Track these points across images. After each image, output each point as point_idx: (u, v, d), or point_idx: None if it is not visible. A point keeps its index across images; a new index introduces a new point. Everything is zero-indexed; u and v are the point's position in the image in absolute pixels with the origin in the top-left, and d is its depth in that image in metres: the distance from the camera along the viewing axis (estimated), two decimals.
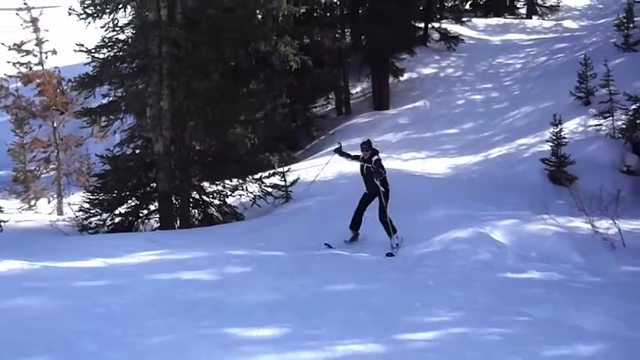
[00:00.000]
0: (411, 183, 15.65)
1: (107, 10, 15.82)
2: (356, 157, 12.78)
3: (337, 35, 21.80)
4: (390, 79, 22.99)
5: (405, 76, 23.62)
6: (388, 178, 12.30)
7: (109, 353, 6.45)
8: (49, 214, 18.17)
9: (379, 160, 12.25)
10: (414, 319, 7.97)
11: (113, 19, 15.91)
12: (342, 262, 10.72)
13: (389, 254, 11.53)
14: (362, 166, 12.47)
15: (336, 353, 6.54)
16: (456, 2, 30.60)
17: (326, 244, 11.95)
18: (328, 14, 22.90)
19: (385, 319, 7.72)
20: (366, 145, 12.43)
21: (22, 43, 19.06)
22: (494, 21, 31.97)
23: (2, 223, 16.34)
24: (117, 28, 15.88)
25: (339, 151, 13.14)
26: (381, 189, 12.07)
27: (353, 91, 23.76)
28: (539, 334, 7.54)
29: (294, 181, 15.47)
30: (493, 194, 14.70)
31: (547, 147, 16.05)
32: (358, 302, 8.66)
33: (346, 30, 23.21)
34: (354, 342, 6.80)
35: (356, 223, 12.52)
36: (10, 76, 19.22)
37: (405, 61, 23.63)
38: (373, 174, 12.01)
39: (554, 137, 15.64)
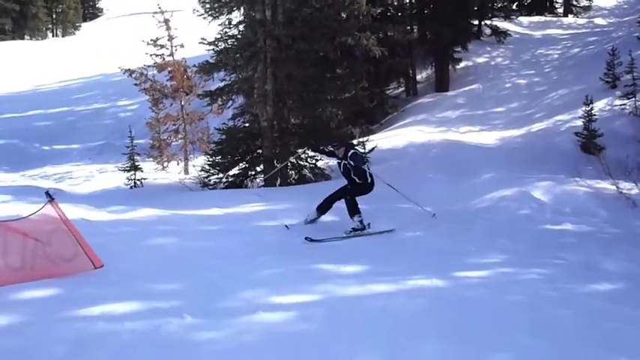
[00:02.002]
0: (466, 151, 15.49)
1: (224, 12, 16.22)
2: (331, 153, 10.46)
3: (407, 31, 21.45)
4: (450, 67, 22.69)
5: (462, 64, 23.33)
6: (373, 173, 10.35)
7: (228, 284, 6.51)
8: (178, 173, 18.48)
9: (355, 153, 10.02)
10: (469, 260, 7.88)
11: (228, 18, 16.32)
12: (410, 213, 10.58)
13: (352, 229, 9.59)
14: (339, 164, 10.26)
15: (407, 286, 6.49)
16: (505, 3, 30.00)
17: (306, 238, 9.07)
18: (399, 13, 22.73)
19: (446, 260, 7.63)
20: (337, 144, 10.23)
21: (157, 39, 19.33)
22: (536, 19, 31.43)
23: (143, 181, 16.69)
24: (231, 26, 16.24)
25: (315, 148, 11.50)
26: (357, 180, 9.90)
27: (419, 77, 23.52)
28: (572, 274, 7.45)
29: (372, 149, 15.38)
30: (533, 161, 14.46)
31: (579, 122, 15.77)
32: (424, 246, 8.59)
33: (414, 26, 22.88)
34: (421, 277, 6.74)
35: (323, 209, 10.13)
36: (148, 66, 19.58)
37: (462, 51, 23.27)
38: (351, 170, 9.86)
39: (585, 114, 15.46)
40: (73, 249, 6.76)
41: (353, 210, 9.78)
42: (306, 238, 8.99)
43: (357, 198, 9.96)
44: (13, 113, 26.74)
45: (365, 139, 15.92)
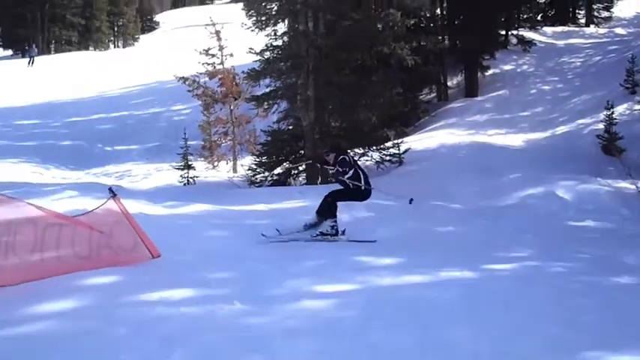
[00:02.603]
0: (493, 152, 15.32)
1: (269, 24, 16.21)
2: (326, 162, 9.45)
3: (438, 40, 21.29)
4: (479, 74, 22.43)
5: (490, 71, 23.03)
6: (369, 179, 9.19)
7: (274, 273, 6.53)
8: (227, 172, 18.60)
9: (343, 158, 8.92)
10: (498, 254, 7.79)
11: (274, 30, 16.26)
12: (441, 210, 10.51)
13: (320, 233, 8.74)
14: (332, 171, 9.57)
15: (439, 277, 6.43)
16: (530, 14, 29.57)
17: (262, 235, 8.55)
18: (432, 24, 22.52)
19: (476, 254, 7.55)
20: (327, 150, 9.31)
21: (209, 49, 19.49)
22: (559, 29, 30.89)
23: (195, 178, 16.82)
24: (276, 36, 16.14)
25: (312, 159, 10.67)
26: (350, 183, 8.84)
27: (450, 83, 23.28)
28: (595, 268, 7.34)
29: (406, 150, 15.30)
30: (557, 162, 14.21)
31: (601, 126, 15.47)
32: (455, 241, 8.52)
33: (445, 36, 22.66)
34: (453, 270, 6.67)
35: (324, 213, 8.92)
36: (201, 73, 19.76)
37: (490, 60, 22.99)
38: (339, 175, 8.93)
39: (606, 118, 15.15)
40: (133, 240, 6.85)
41: (328, 213, 8.77)
42: (262, 235, 8.37)
43: (353, 203, 9.24)
44: (78, 117, 27.17)
45: (399, 140, 15.83)
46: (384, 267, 6.97)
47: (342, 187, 9.02)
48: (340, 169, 8.83)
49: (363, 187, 8.84)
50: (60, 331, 4.99)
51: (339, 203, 8.91)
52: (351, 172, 8.76)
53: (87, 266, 6.34)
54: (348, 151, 9.56)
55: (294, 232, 8.78)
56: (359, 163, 9.19)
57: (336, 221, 8.78)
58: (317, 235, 8.72)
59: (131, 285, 5.94)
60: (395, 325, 5.12)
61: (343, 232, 8.77)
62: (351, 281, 6.31)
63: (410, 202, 9.02)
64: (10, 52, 52.16)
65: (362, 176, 8.85)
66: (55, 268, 6.20)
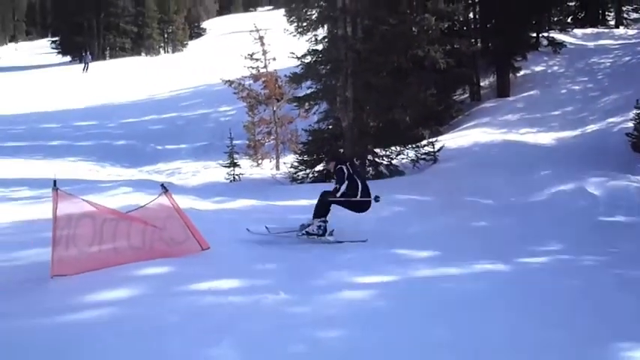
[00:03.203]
0: (525, 150, 15.07)
1: (310, 29, 16.26)
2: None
3: (471, 43, 21.02)
4: (510, 75, 22.06)
5: (522, 72, 22.62)
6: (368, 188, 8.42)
7: (316, 265, 6.56)
8: (270, 169, 18.64)
9: (340, 168, 8.17)
10: (530, 248, 7.67)
11: (314, 35, 16.29)
12: (474, 205, 10.40)
13: (306, 233, 8.01)
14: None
15: (474, 270, 6.38)
16: (561, 17, 28.96)
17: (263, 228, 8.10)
18: (465, 28, 22.23)
19: (509, 248, 7.45)
20: (328, 159, 8.62)
21: (253, 54, 19.54)
22: (589, 30, 30.20)
23: (240, 175, 16.94)
24: (316, 41, 16.17)
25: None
26: (341, 189, 8.00)
27: (482, 84, 22.95)
28: (625, 262, 7.11)
29: (440, 148, 15.14)
30: (588, 159, 13.88)
31: (630, 124, 14.94)
32: (488, 235, 8.41)
33: (478, 39, 22.36)
34: (487, 262, 6.61)
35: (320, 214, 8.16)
36: (245, 77, 19.83)
37: (522, 61, 22.61)
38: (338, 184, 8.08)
39: (636, 117, 14.56)
40: (183, 233, 6.95)
41: (318, 213, 8.07)
42: (247, 229, 7.84)
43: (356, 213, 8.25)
44: (132, 118, 27.55)
45: (434, 139, 15.67)
46: (420, 260, 6.94)
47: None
48: (335, 179, 8.20)
49: (358, 199, 8.07)
50: (116, 317, 5.09)
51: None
52: (343, 186, 7.99)
53: (141, 257, 6.46)
54: (355, 161, 8.76)
55: (282, 231, 8.17)
56: (360, 171, 8.45)
57: (325, 222, 8.04)
58: (302, 234, 8.04)
59: (182, 275, 6.03)
60: (431, 315, 5.10)
61: (331, 233, 7.96)
62: (388, 273, 6.31)
63: (376, 200, 8.19)
64: (68, 58, 53.16)
65: (360, 187, 8.11)
66: (111, 259, 6.33)
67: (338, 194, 7.95)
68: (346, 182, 8.02)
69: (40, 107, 30.98)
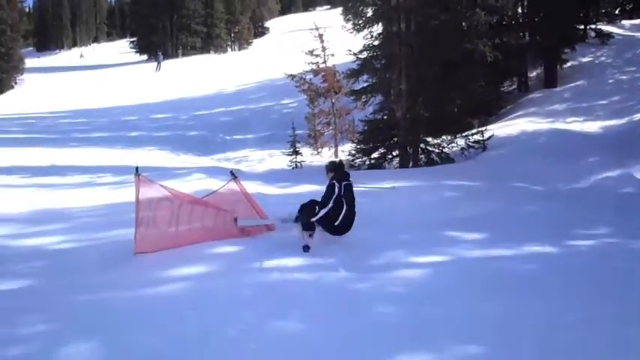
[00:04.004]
0: (572, 138, 14.60)
1: (366, 26, 16.12)
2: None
3: (519, 36, 20.49)
4: (558, 66, 21.38)
5: (569, 63, 21.90)
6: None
7: (374, 245, 6.56)
8: (330, 157, 18.67)
9: (333, 184, 6.90)
10: (578, 231, 7.45)
11: (370, 32, 16.12)
12: (522, 191, 10.18)
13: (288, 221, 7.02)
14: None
15: (523, 252, 6.26)
16: (608, 9, 27.84)
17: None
18: (513, 22, 21.63)
19: (557, 231, 7.27)
20: (327, 166, 7.37)
21: (313, 50, 19.57)
22: (637, 21, 28.95)
23: (302, 163, 17.06)
24: (372, 37, 16.04)
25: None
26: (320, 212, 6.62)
27: (530, 75, 22.33)
28: None
29: (489, 137, 14.85)
30: (634, 146, 13.30)
31: None
32: (535, 219, 8.22)
33: (526, 32, 21.74)
34: (536, 245, 6.46)
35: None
36: (306, 71, 19.88)
37: (569, 53, 21.87)
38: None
39: None
40: (251, 216, 7.07)
41: (306, 227, 6.65)
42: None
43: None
44: (203, 111, 28.03)
45: (483, 128, 15.39)
46: (471, 241, 6.84)
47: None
48: (324, 194, 6.91)
49: (335, 224, 6.69)
50: (192, 291, 5.23)
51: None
52: (323, 211, 6.65)
53: (214, 238, 6.62)
54: (349, 179, 7.12)
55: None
56: (351, 192, 7.01)
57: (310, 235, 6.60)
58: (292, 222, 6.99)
59: (251, 254, 6.14)
60: (485, 292, 5.06)
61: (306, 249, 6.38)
62: (442, 253, 6.26)
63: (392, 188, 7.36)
64: (145, 56, 54.39)
65: (343, 213, 6.70)
66: (187, 239, 6.50)
67: (316, 217, 6.61)
68: (330, 206, 6.66)
69: (120, 101, 31.89)
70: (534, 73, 22.68)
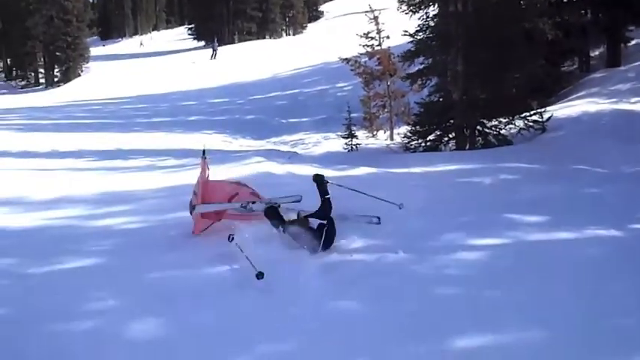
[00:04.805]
0: (636, 120, 14.03)
1: (422, 7, 15.92)
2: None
3: (581, 14, 19.73)
4: (622, 44, 20.48)
5: (633, 41, 20.95)
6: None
7: (433, 227, 6.50)
8: (385, 140, 18.62)
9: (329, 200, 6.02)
10: None
11: (426, 12, 15.91)
12: (584, 173, 9.85)
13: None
14: None
15: (586, 235, 6.05)
16: None
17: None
18: None
19: (621, 214, 6.97)
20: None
21: (368, 33, 19.46)
22: None
23: (357, 145, 17.05)
24: (428, 18, 15.81)
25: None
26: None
27: (591, 54, 21.50)
28: None
29: (548, 118, 14.43)
30: None
31: None
32: (600, 202, 7.95)
33: (588, 10, 20.90)
34: (599, 228, 6.22)
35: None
36: (361, 54, 19.78)
37: (634, 30, 20.89)
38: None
39: None
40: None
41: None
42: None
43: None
44: (258, 95, 28.31)
45: (542, 109, 14.94)
46: (530, 224, 6.67)
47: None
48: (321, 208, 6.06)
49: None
50: (253, 271, 5.27)
51: None
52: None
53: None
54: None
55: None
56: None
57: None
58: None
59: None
60: (547, 276, 4.94)
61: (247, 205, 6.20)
62: (501, 236, 6.14)
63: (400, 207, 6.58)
64: (203, 43, 55.13)
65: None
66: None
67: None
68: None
69: (179, 87, 32.52)
70: (596, 52, 21.82)
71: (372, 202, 6.47)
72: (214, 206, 6.45)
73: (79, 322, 4.42)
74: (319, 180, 6.18)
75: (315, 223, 5.88)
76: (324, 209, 5.98)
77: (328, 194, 6.02)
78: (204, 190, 6.44)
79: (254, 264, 4.98)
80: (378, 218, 6.30)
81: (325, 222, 5.80)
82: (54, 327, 4.37)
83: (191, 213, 6.47)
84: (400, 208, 6.53)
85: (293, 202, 6.52)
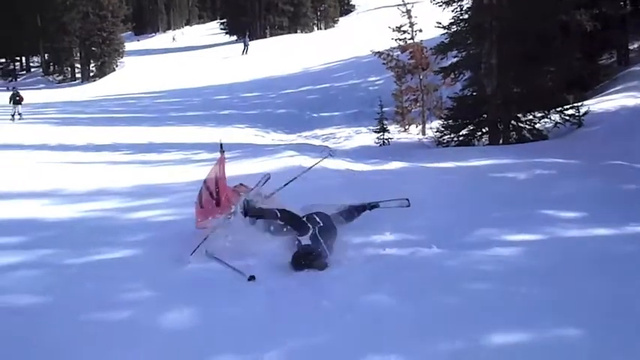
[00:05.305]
0: None
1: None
2: None
3: (620, 6, 19.24)
4: None
5: None
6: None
7: (466, 222, 6.42)
8: (417, 134, 18.50)
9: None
10: None
11: (459, 5, 15.74)
12: (623, 169, 9.61)
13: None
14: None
15: (626, 232, 5.90)
16: None
17: None
18: None
19: None
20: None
21: (401, 26, 19.33)
22: None
23: (389, 140, 16.97)
24: (462, 11, 15.61)
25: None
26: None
27: (631, 47, 20.96)
28: None
29: (585, 113, 14.12)
30: None
31: None
32: (637, 198, 7.76)
33: (627, 1, 20.38)
34: (637, 225, 6.07)
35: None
36: (394, 48, 19.68)
37: None
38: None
39: None
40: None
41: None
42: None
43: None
44: (290, 89, 28.40)
45: (579, 104, 14.65)
46: (567, 220, 6.54)
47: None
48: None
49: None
50: (285, 264, 5.29)
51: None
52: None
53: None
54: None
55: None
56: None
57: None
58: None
59: (342, 231, 6.10)
60: (584, 273, 4.84)
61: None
62: (536, 232, 6.03)
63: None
64: (234, 37, 55.42)
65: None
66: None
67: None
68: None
69: (211, 81, 32.79)
70: (636, 45, 21.28)
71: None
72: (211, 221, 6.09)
73: (115, 312, 4.50)
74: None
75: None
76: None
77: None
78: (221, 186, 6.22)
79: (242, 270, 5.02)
80: (408, 200, 6.33)
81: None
82: (90, 316, 4.47)
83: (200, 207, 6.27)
84: (408, 206, 6.42)
85: (265, 181, 6.32)
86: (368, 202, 6.41)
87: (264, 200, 6.21)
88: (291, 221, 5.56)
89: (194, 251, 5.51)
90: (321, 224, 5.53)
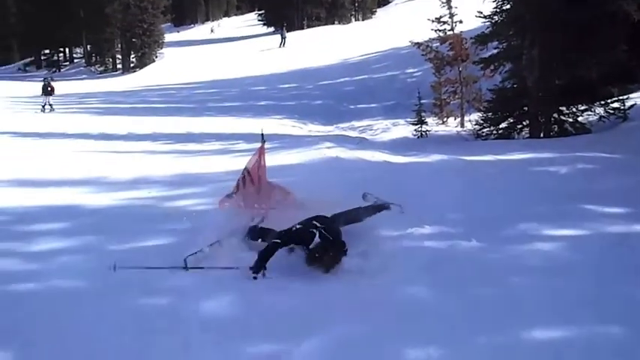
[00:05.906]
0: None
1: None
2: None
3: None
4: None
5: None
6: None
7: (506, 216, 6.31)
8: (455, 127, 18.26)
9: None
10: None
11: None
12: None
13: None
14: None
15: None
16: None
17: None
18: None
19: None
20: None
21: (440, 17, 19.07)
22: None
23: (427, 132, 16.83)
24: (503, 1, 15.27)
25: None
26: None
27: None
28: None
29: (632, 106, 13.72)
30: None
31: None
32: None
33: None
34: None
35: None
36: (433, 39, 19.41)
37: None
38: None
39: None
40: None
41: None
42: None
43: None
44: (327, 80, 28.35)
45: (625, 97, 14.22)
46: (611, 215, 6.38)
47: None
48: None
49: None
50: None
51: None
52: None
53: None
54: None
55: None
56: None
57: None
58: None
59: (380, 222, 6.09)
60: (628, 271, 4.73)
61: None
62: (578, 227, 5.91)
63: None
64: (272, 29, 55.53)
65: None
66: None
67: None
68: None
69: (249, 72, 32.95)
70: None
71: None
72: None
73: (158, 298, 4.59)
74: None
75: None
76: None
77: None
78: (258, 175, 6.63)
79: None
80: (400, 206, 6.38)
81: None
82: (133, 302, 4.57)
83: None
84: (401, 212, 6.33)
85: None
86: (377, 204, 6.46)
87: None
88: (295, 238, 5.30)
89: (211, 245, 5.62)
90: (324, 226, 5.31)
